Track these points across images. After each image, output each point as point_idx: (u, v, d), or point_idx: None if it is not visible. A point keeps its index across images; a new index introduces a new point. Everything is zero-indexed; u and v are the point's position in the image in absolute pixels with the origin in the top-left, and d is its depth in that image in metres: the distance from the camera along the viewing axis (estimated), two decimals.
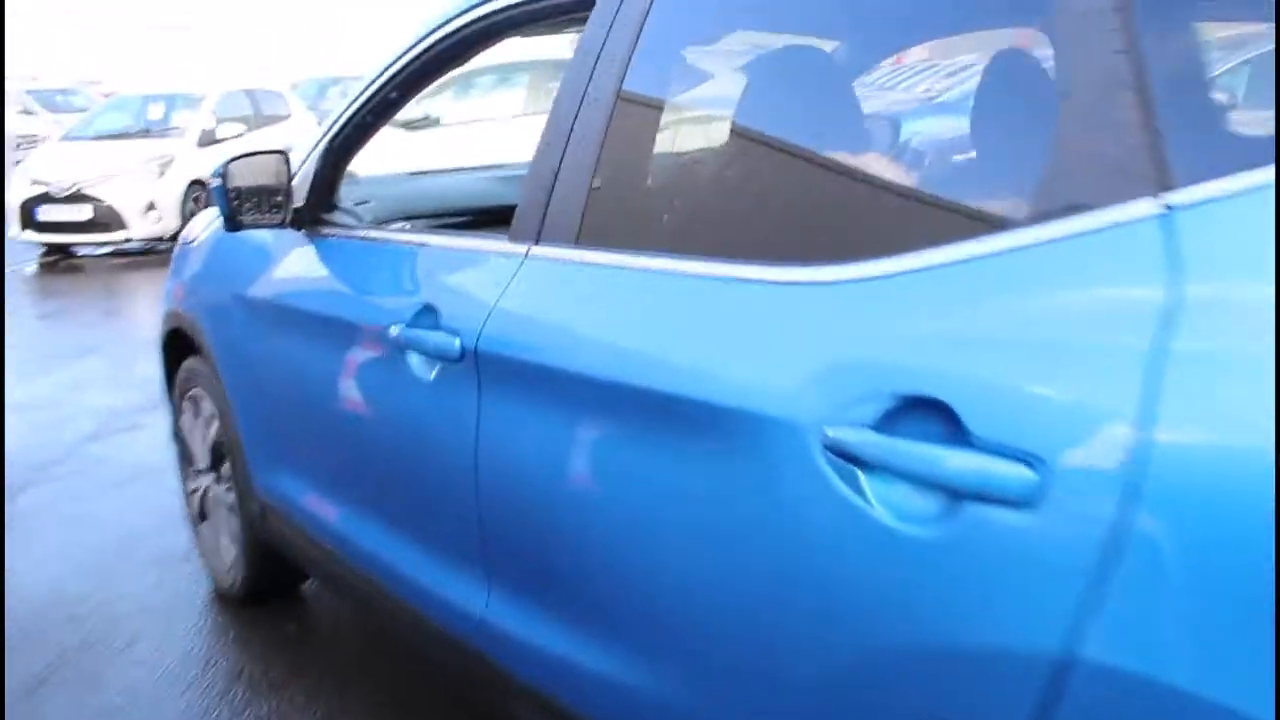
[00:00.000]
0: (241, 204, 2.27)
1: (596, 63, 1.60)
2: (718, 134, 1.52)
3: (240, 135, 10.58)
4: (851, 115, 1.57)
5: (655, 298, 1.41)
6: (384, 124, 2.39)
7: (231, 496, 2.87)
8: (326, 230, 2.32)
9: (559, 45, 8.52)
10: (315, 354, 2.21)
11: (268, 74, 13.72)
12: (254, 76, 12.75)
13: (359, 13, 27.27)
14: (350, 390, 2.10)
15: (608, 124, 1.57)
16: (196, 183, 9.86)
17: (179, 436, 3.19)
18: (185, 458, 3.17)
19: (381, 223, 2.56)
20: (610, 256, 1.51)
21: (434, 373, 1.76)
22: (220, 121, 10.58)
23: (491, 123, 8.13)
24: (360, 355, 2.05)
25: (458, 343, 1.68)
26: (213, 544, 3.06)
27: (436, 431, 1.78)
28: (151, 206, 9.60)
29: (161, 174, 9.77)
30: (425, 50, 2.12)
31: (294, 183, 2.35)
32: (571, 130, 1.61)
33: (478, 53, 2.19)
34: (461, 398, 1.69)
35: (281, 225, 2.31)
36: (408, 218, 2.64)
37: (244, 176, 2.29)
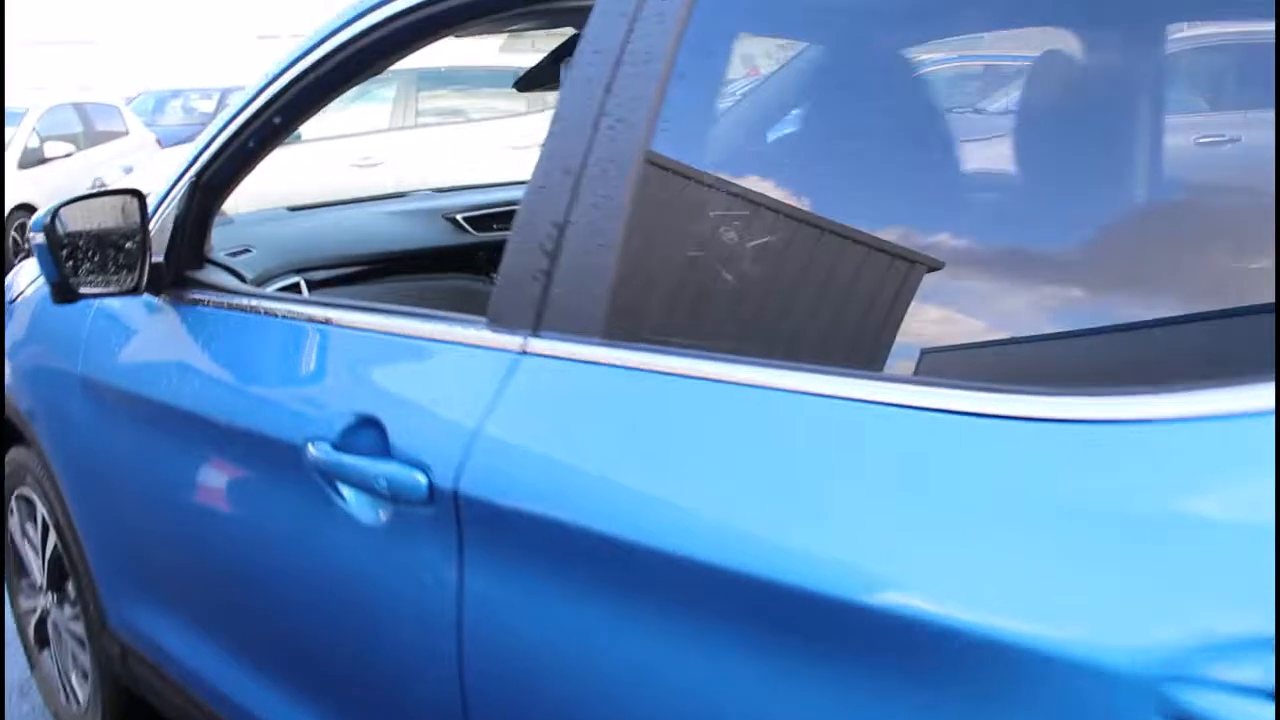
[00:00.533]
0: (78, 264, 1.68)
1: (619, 65, 1.10)
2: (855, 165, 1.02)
3: (70, 154, 9.61)
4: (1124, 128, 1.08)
5: (791, 434, 0.92)
6: (269, 151, 1.83)
7: (79, 626, 2.25)
8: (197, 294, 1.74)
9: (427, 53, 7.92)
10: (189, 466, 1.63)
11: (95, 88, 12.57)
12: (81, 90, 11.65)
13: (195, 20, 25.53)
14: (241, 519, 1.54)
15: (642, 154, 1.07)
16: (21, 207, 8.86)
17: (7, 540, 2.54)
18: (17, 568, 2.53)
19: (267, 279, 2.00)
20: (679, 363, 1.00)
21: (383, 514, 1.23)
22: (45, 139, 9.57)
23: (357, 138, 7.45)
24: (255, 475, 1.49)
25: (423, 479, 1.15)
26: (58, 679, 2.43)
27: (390, 598, 1.25)
28: None
29: None
30: (329, 55, 1.58)
31: (151, 231, 1.77)
32: (584, 168, 1.10)
33: (398, 59, 1.66)
34: (431, 556, 1.16)
35: (135, 291, 1.72)
36: (299, 270, 2.08)
37: (82, 225, 1.70)
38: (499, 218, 2.35)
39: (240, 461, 1.52)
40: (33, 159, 9.31)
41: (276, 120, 1.73)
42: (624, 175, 1.07)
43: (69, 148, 9.68)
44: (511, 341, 1.14)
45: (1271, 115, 0.87)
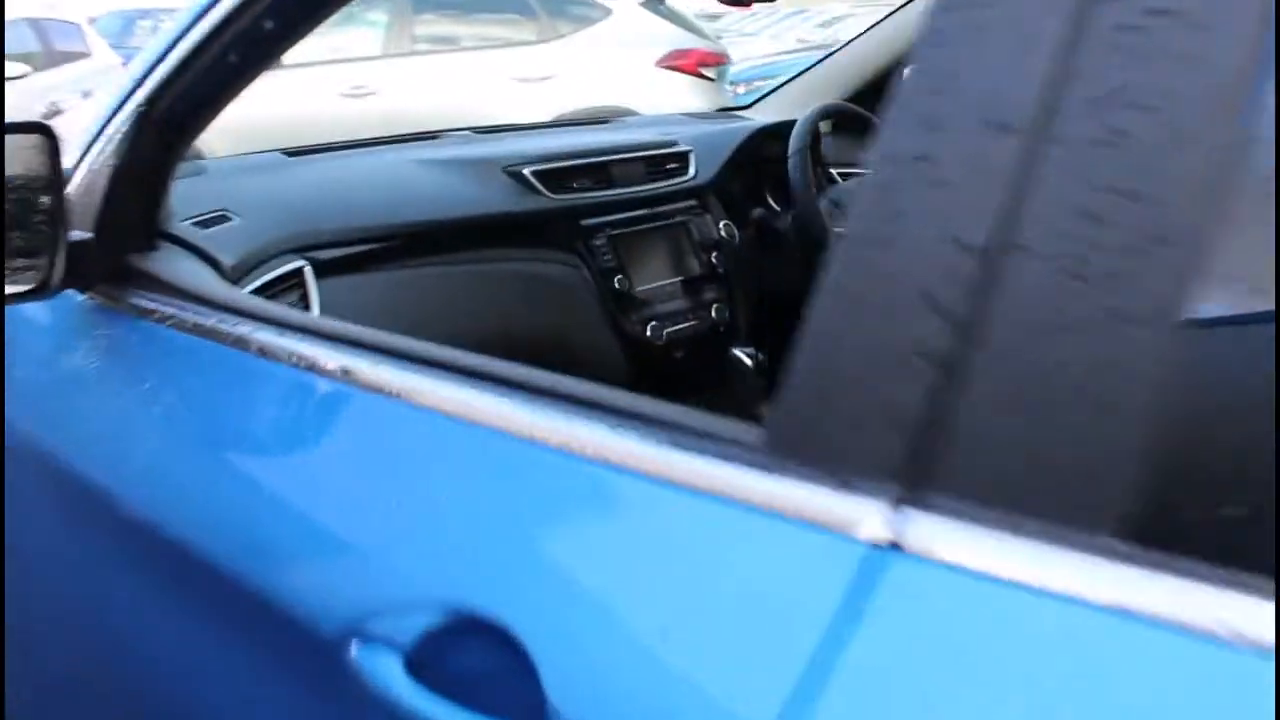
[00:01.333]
0: None
1: None
2: None
3: (25, 75, 8.78)
4: None
5: None
6: (258, 72, 1.16)
7: None
8: (144, 300, 1.08)
9: None
10: (133, 595, 0.99)
11: (57, 5, 11.62)
12: (40, 6, 10.72)
13: None
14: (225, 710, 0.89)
15: (1240, 88, 0.43)
16: None
17: None
18: None
19: (256, 264, 1.34)
20: None
21: None
22: None
23: (346, 65, 6.66)
24: (249, 652, 0.84)
25: None
26: None
27: None
28: None
29: None
30: None
31: (71, 192, 1.11)
32: (1049, 126, 0.45)
33: None
34: None
35: (44, 291, 1.06)
36: (302, 249, 1.41)
37: None
38: (581, 173, 1.68)
39: (219, 618, 0.87)
40: None
41: (268, 24, 1.07)
42: (1191, 138, 0.42)
43: (24, 68, 8.85)
44: (853, 512, 0.49)
45: None
